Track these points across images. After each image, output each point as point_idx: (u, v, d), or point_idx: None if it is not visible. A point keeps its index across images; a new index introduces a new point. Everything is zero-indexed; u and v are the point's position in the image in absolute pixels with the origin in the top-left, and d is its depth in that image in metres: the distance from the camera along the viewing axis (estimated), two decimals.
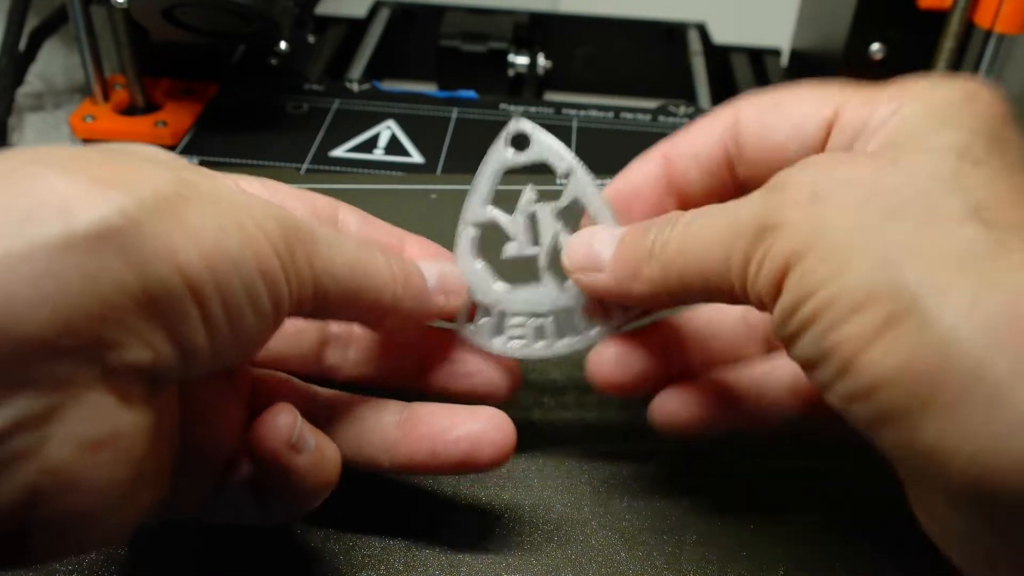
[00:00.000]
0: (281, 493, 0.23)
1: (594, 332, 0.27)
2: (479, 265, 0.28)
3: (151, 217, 0.17)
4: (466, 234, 0.27)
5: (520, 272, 0.28)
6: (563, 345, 0.27)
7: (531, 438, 0.31)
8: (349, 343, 0.28)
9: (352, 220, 0.28)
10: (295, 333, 0.27)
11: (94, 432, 0.17)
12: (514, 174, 0.28)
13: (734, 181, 0.25)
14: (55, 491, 0.17)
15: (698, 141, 0.25)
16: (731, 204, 0.22)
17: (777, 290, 0.20)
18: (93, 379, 0.17)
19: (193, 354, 0.19)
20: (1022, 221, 0.18)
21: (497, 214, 0.27)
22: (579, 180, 0.27)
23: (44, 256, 0.16)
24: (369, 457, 0.26)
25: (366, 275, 0.23)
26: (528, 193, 0.27)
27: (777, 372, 0.26)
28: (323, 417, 0.26)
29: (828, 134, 0.22)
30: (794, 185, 0.20)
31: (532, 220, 0.27)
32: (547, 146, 0.27)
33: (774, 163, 0.23)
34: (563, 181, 0.27)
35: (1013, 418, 0.16)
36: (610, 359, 0.27)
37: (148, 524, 0.22)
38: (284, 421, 0.22)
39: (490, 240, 0.28)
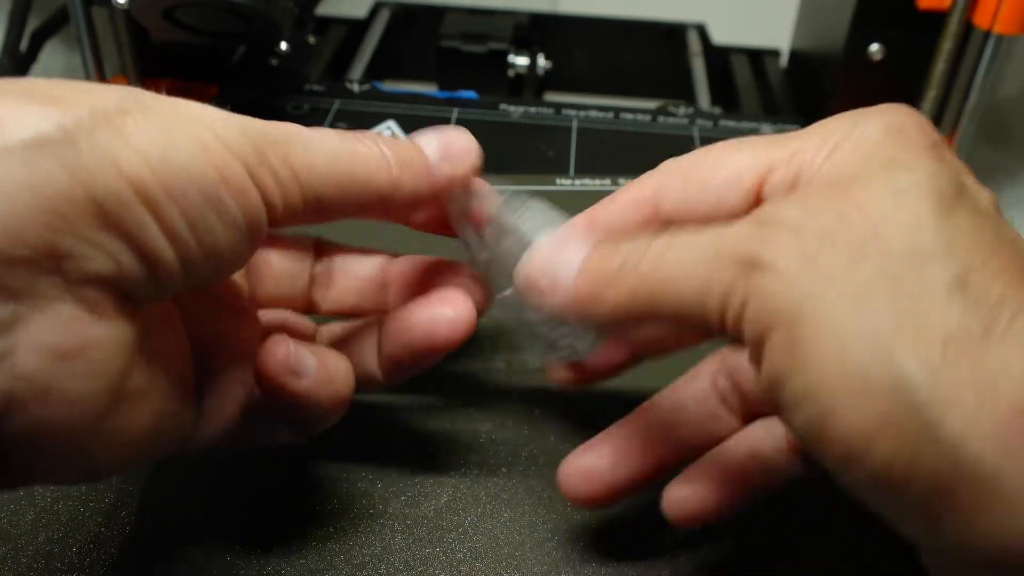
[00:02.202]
0: (293, 416, 0.24)
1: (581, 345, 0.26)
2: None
3: (88, 130, 0.17)
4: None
5: None
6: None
7: (532, 437, 0.31)
8: (331, 284, 0.29)
9: None
10: (289, 275, 0.28)
11: (63, 341, 0.17)
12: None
13: None
14: (28, 399, 0.17)
15: (616, 216, 0.24)
16: (714, 230, 0.20)
17: (760, 343, 0.19)
18: (57, 289, 0.17)
19: (160, 264, 0.19)
20: (1006, 291, 0.17)
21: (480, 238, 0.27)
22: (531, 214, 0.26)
23: None
24: (367, 375, 0.27)
25: (352, 163, 0.22)
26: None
27: (769, 438, 0.25)
28: (327, 344, 0.27)
29: (757, 201, 0.22)
30: (786, 225, 0.19)
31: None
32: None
33: None
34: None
35: None
36: (579, 473, 0.25)
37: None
38: (279, 349, 0.23)
39: None
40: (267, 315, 0.28)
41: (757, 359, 0.19)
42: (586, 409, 0.32)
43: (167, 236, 0.18)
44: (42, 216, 0.16)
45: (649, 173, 0.24)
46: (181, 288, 0.20)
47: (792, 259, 0.18)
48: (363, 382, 0.26)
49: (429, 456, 0.30)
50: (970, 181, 0.20)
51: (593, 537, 0.28)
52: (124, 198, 0.18)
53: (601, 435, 0.26)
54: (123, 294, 0.18)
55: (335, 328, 0.29)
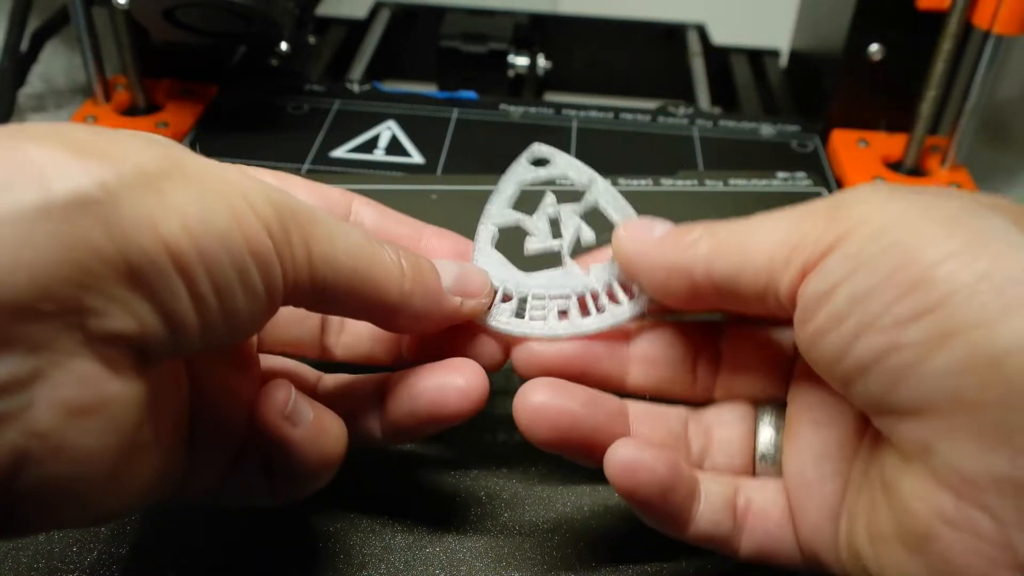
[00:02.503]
0: (283, 466, 0.24)
1: (620, 310, 0.26)
2: (499, 255, 0.27)
3: (130, 189, 0.17)
4: (487, 230, 0.27)
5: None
6: (588, 324, 0.26)
7: None
8: (343, 329, 0.29)
9: (367, 212, 0.28)
10: (300, 319, 0.28)
11: (79, 397, 0.17)
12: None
13: None
14: (42, 456, 0.17)
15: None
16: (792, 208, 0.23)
17: (835, 244, 0.20)
18: (77, 345, 0.17)
19: (182, 328, 0.19)
20: None
21: (519, 216, 0.28)
22: (599, 186, 0.28)
23: (20, 223, 0.16)
24: (366, 432, 0.26)
25: (370, 266, 0.23)
26: (549, 196, 0.28)
27: (716, 487, 0.25)
28: (326, 398, 0.26)
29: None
30: (865, 187, 0.22)
31: (552, 222, 0.28)
32: (567, 161, 0.28)
33: None
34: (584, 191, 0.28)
35: None
36: (540, 400, 0.24)
37: (163, 508, 0.22)
38: (279, 394, 0.23)
39: (507, 242, 0.28)
40: (270, 362, 0.27)
41: (809, 271, 0.21)
42: None
43: (193, 300, 0.19)
44: (72, 272, 0.16)
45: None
46: (197, 349, 0.20)
47: (875, 193, 0.21)
48: (362, 438, 0.26)
49: (429, 457, 0.30)
50: None
51: (593, 537, 0.28)
52: (157, 261, 0.18)
53: (575, 387, 0.25)
54: (140, 352, 0.18)
55: (340, 378, 0.28)
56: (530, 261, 0.27)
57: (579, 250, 0.28)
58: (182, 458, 0.22)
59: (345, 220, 0.27)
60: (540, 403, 0.24)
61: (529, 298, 0.27)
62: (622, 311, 0.26)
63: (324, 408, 0.24)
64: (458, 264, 0.26)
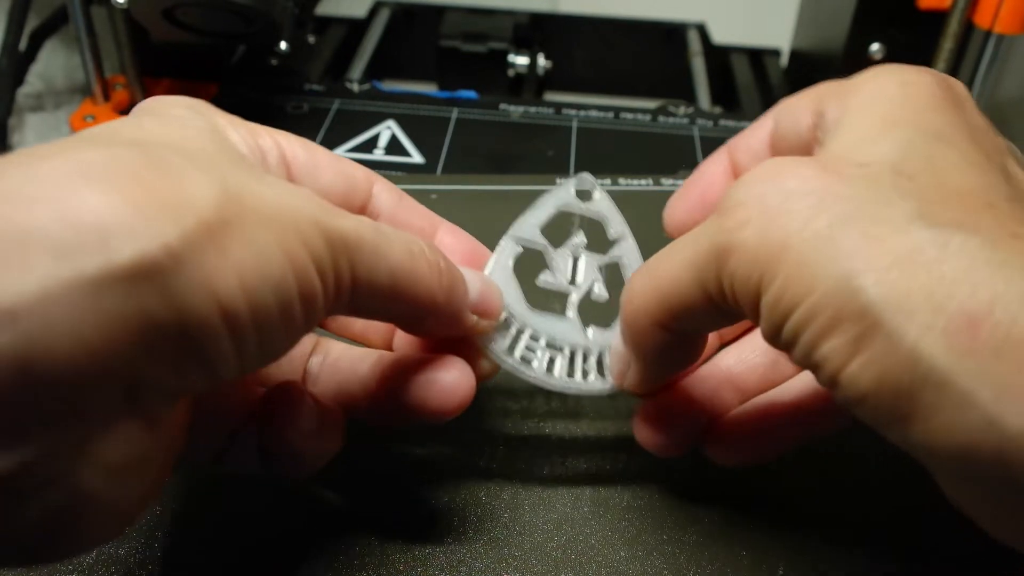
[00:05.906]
0: (281, 458, 0.24)
1: (598, 384, 0.27)
2: (514, 278, 0.27)
3: (193, 249, 0.17)
4: (511, 248, 0.27)
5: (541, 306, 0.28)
6: (571, 385, 0.27)
7: (532, 438, 0.31)
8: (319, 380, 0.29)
9: (386, 197, 0.27)
10: (287, 362, 0.28)
11: (122, 458, 0.18)
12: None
13: None
14: (84, 512, 0.17)
15: (752, 137, 0.28)
16: (691, 235, 0.22)
17: (756, 311, 0.20)
18: (126, 409, 0.17)
19: (221, 378, 0.19)
20: (961, 218, 0.18)
21: (546, 243, 0.28)
22: (628, 245, 0.28)
23: (83, 291, 0.16)
24: (353, 407, 0.26)
25: (409, 284, 0.23)
26: (580, 236, 0.28)
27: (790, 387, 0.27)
28: (320, 369, 0.27)
29: (815, 134, 0.24)
30: (742, 205, 0.20)
31: (574, 262, 0.28)
32: (607, 207, 0.28)
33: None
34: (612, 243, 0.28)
35: (981, 421, 0.17)
36: (653, 424, 0.27)
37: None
38: (290, 391, 0.24)
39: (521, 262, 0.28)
40: None
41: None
42: (585, 411, 0.32)
43: (238, 356, 0.18)
44: (130, 344, 0.16)
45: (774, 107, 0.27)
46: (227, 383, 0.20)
47: (753, 227, 0.20)
48: (349, 412, 0.26)
49: (429, 457, 0.30)
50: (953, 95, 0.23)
51: (593, 537, 0.28)
52: (211, 324, 0.17)
53: (670, 393, 0.27)
54: (175, 401, 0.19)
55: (336, 348, 0.27)
56: (537, 290, 0.27)
57: (588, 302, 0.28)
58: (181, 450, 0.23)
59: (366, 202, 0.27)
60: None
61: (526, 334, 0.27)
62: (599, 386, 0.27)
63: (328, 408, 0.25)
64: (480, 279, 0.26)
